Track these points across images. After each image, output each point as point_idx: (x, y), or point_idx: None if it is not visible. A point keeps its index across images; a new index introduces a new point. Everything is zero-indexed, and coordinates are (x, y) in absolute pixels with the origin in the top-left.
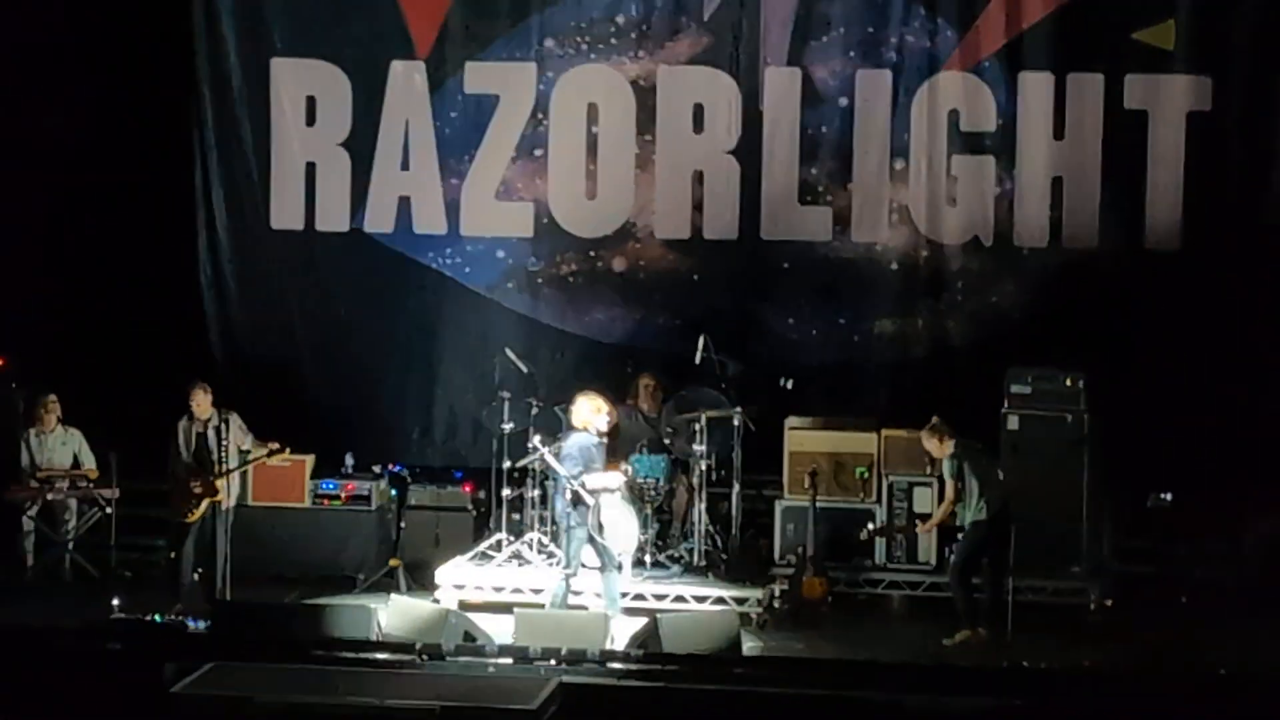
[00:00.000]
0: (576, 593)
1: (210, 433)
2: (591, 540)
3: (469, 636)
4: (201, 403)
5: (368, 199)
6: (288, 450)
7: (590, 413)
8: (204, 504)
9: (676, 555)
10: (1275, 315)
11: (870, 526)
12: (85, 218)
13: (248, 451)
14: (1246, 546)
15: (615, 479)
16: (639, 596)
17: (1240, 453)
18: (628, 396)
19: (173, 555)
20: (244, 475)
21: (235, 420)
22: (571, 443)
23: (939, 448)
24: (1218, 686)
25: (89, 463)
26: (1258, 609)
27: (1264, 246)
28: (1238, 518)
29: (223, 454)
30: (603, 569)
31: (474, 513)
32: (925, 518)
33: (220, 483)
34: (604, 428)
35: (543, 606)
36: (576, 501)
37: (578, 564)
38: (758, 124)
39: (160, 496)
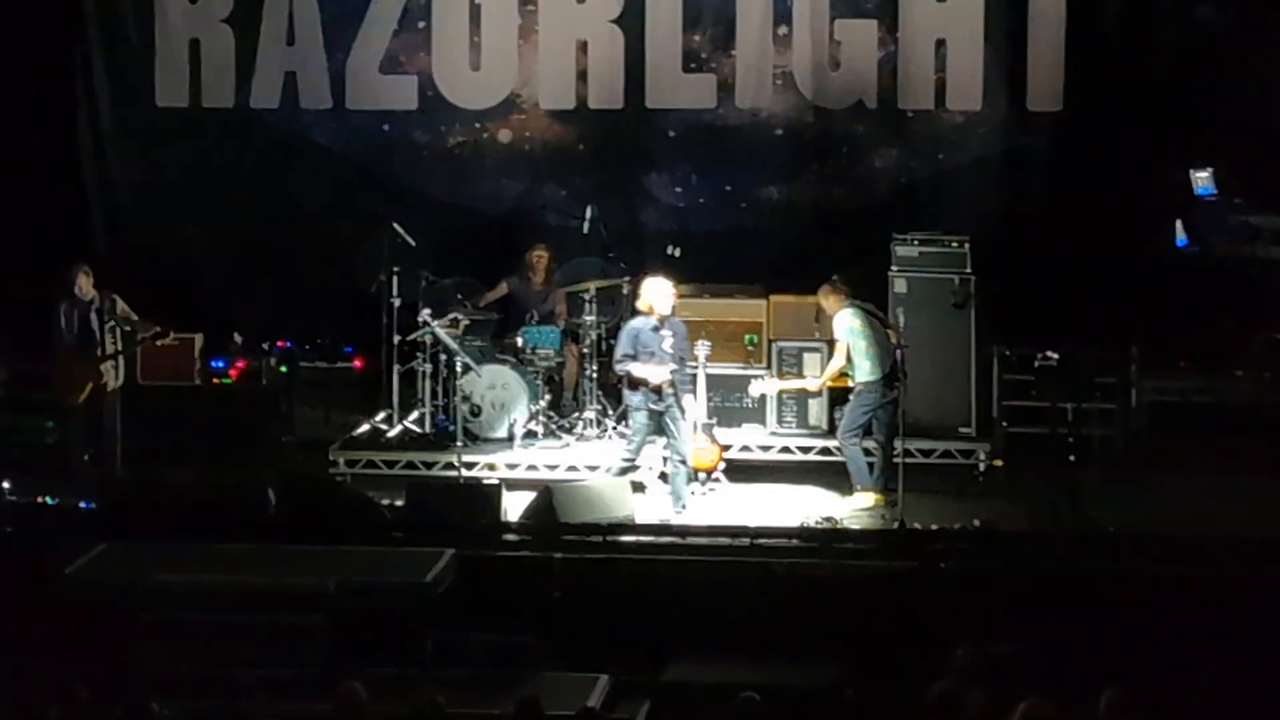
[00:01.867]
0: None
1: (93, 315)
2: (663, 428)
3: (363, 510)
4: (83, 285)
5: (253, 75)
6: (171, 334)
7: (656, 296)
8: (88, 387)
9: (568, 425)
10: (1157, 172)
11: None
12: None
13: (132, 332)
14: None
15: (658, 373)
16: (530, 467)
17: (1125, 310)
18: (521, 268)
19: (60, 438)
20: (130, 355)
21: (119, 303)
22: (626, 326)
23: (833, 305)
24: (1105, 544)
25: None
26: (1144, 467)
27: (1145, 105)
28: (1124, 375)
29: (106, 336)
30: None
31: (364, 389)
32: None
33: (105, 366)
34: (666, 311)
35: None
36: (632, 385)
37: (638, 450)
38: None
39: (45, 378)
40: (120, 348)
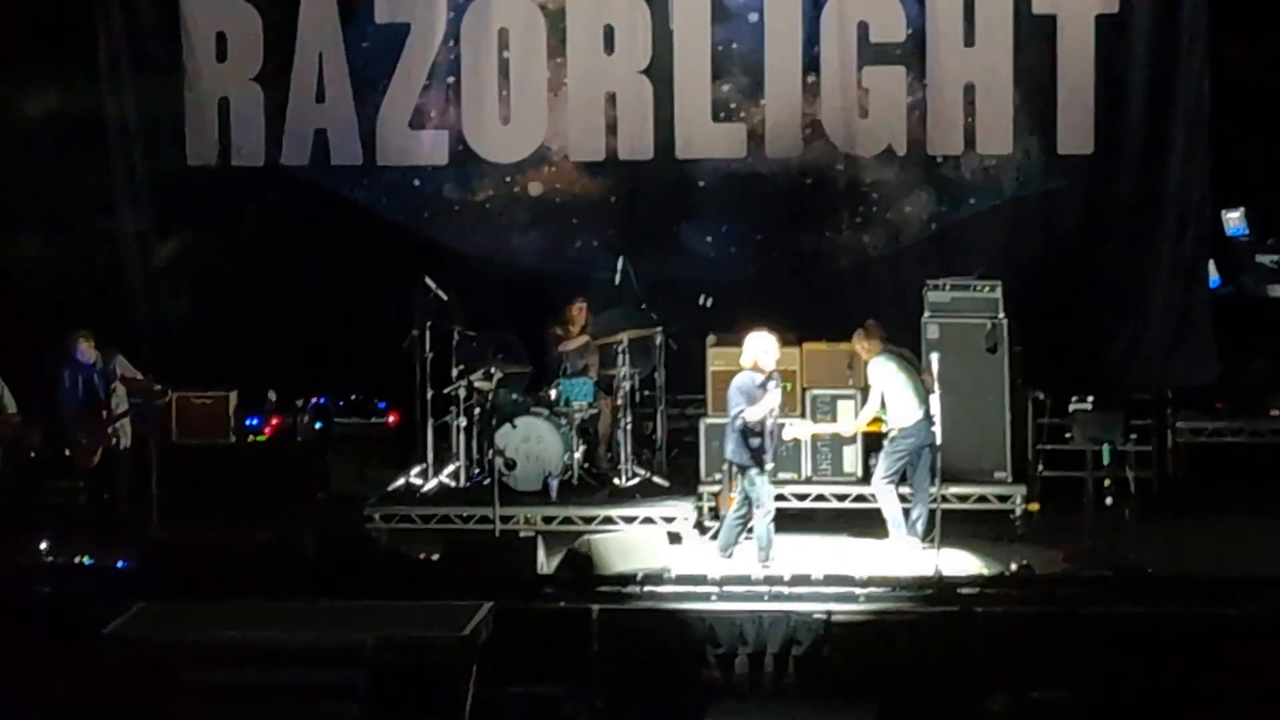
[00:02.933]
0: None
1: (96, 378)
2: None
3: (399, 565)
4: (85, 348)
5: (283, 132)
6: (170, 393)
7: (759, 352)
8: (98, 451)
9: (604, 476)
10: (1187, 212)
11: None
12: None
13: (133, 395)
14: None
15: (769, 401)
16: (566, 520)
17: (1158, 354)
18: (562, 321)
19: (89, 497)
20: (167, 411)
21: (121, 361)
22: (735, 383)
23: (867, 350)
24: (1144, 586)
25: (10, 406)
26: (1181, 508)
27: (1175, 145)
28: (1159, 417)
29: (111, 397)
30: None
31: (399, 444)
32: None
33: (114, 427)
34: (771, 366)
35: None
36: (746, 434)
37: (770, 502)
38: (668, 42)
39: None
40: (123, 412)
